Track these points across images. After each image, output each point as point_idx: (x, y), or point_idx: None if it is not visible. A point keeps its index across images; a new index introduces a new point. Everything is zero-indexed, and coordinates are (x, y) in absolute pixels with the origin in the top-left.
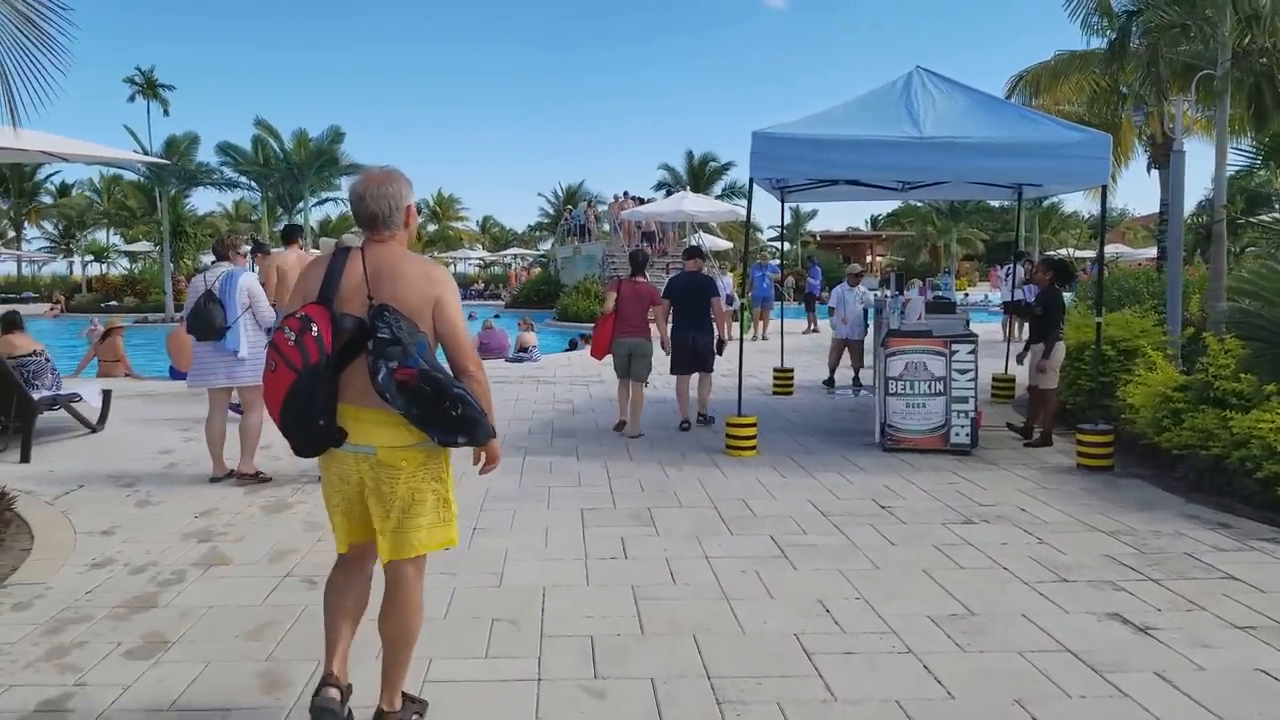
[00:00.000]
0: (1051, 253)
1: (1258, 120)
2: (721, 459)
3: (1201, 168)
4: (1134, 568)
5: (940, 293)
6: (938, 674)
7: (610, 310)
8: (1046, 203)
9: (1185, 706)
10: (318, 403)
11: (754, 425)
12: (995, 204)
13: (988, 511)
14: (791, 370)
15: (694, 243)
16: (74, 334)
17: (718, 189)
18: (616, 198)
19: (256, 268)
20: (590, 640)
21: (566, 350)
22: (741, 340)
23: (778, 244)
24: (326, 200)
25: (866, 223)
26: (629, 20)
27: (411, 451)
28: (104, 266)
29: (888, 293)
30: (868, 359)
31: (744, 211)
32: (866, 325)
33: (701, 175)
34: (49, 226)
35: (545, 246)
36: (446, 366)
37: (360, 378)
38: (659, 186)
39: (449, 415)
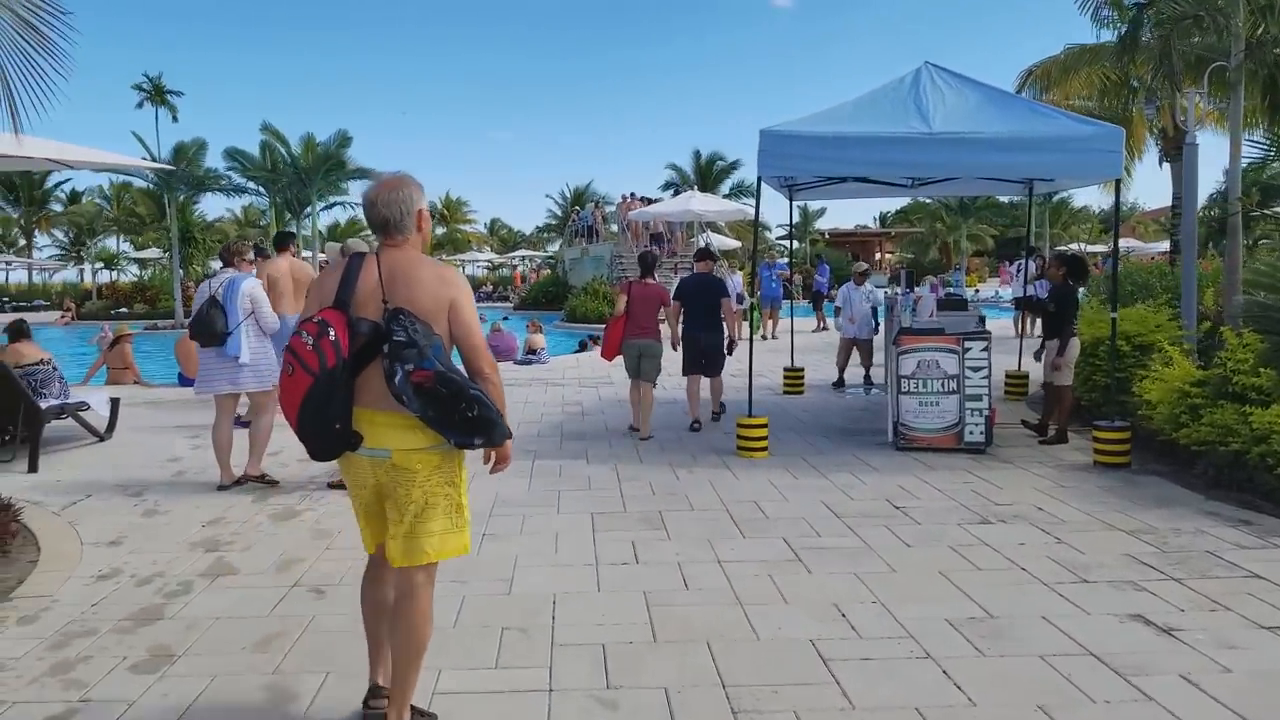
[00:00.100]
0: (1063, 248)
1: (1271, 112)
2: (732, 460)
3: (1213, 160)
4: (1155, 567)
5: (952, 289)
6: (957, 679)
7: (621, 313)
8: (1056, 198)
9: (1213, 710)
10: (334, 406)
11: (765, 426)
12: (1005, 200)
13: (1004, 511)
14: (802, 369)
15: (703, 243)
16: (84, 341)
17: (725, 188)
18: (624, 198)
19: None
20: (602, 649)
21: (576, 351)
22: (751, 340)
23: (786, 242)
24: (334, 204)
25: (875, 220)
26: (635, 21)
27: (426, 454)
28: (114, 273)
29: (898, 290)
30: (878, 357)
31: (752, 210)
32: (876, 324)
33: (709, 174)
34: (59, 234)
35: (553, 248)
36: (461, 368)
37: (376, 382)
38: (666, 186)
39: (465, 417)
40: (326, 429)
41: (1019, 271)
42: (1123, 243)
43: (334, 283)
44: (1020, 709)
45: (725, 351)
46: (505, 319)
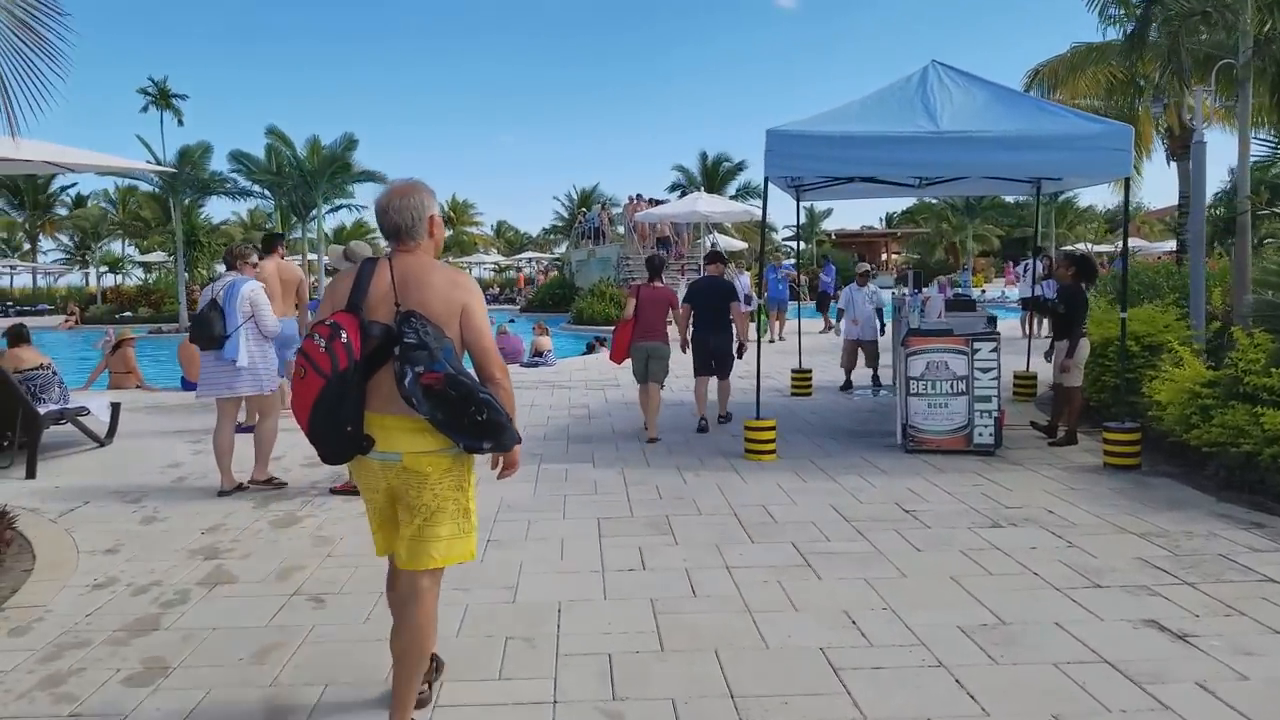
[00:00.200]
0: (1070, 248)
1: (1279, 110)
2: (740, 463)
3: (1219, 159)
4: (1168, 571)
5: (960, 290)
6: (970, 688)
7: (630, 316)
8: (1062, 197)
9: (1230, 719)
10: (346, 409)
11: (773, 429)
12: (1010, 200)
13: (1015, 514)
14: (809, 371)
15: (709, 244)
16: (89, 345)
17: (731, 189)
18: (631, 200)
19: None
20: (608, 658)
21: (584, 353)
22: (759, 343)
23: (793, 243)
24: (340, 207)
25: (881, 221)
26: (639, 26)
27: (436, 457)
28: (119, 277)
29: (906, 291)
30: (885, 358)
31: (758, 211)
32: (883, 324)
33: (715, 176)
34: (64, 238)
35: (560, 250)
36: (472, 372)
37: (387, 385)
38: (673, 188)
39: (474, 420)
40: (338, 431)
41: (1026, 271)
42: (1130, 242)
43: (347, 286)
44: (1035, 719)
45: (735, 354)
46: (512, 321)
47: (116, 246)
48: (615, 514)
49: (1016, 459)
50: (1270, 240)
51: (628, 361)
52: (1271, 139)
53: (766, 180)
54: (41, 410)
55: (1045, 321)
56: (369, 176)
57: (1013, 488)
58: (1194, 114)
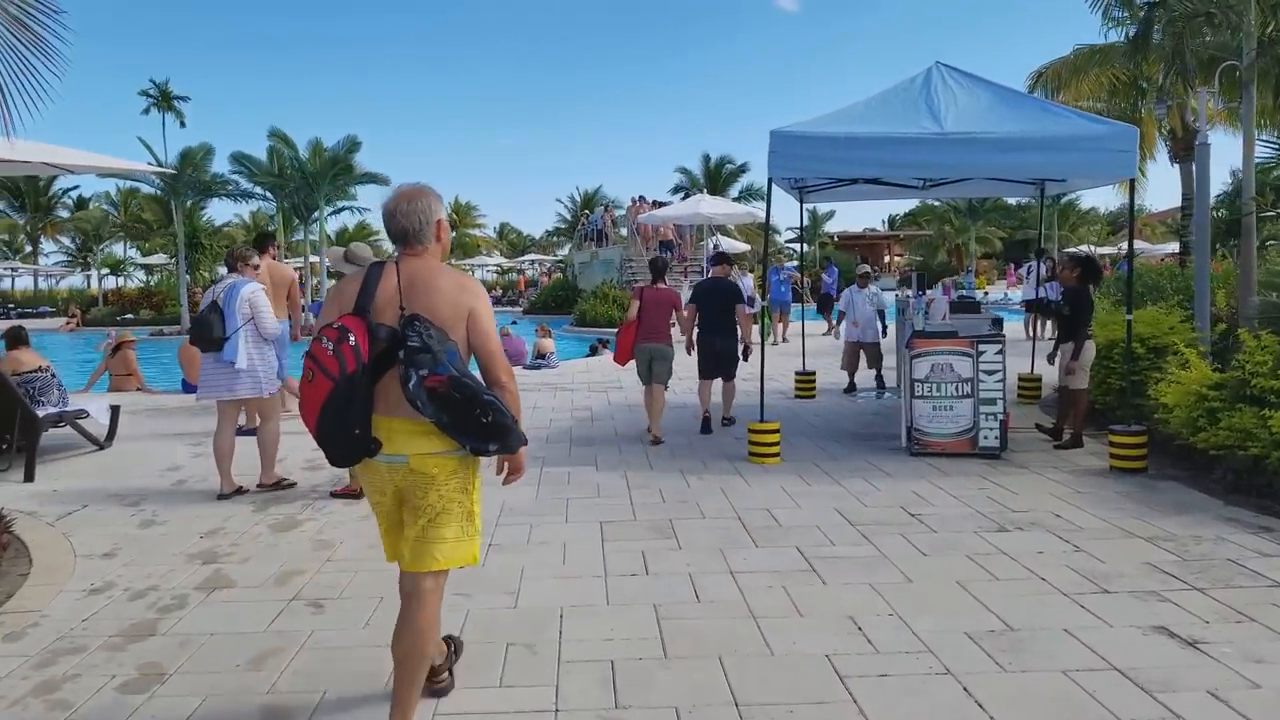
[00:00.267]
0: (1073, 249)
1: None
2: (744, 466)
3: (1221, 161)
4: (1177, 576)
5: (964, 291)
6: (978, 697)
7: (633, 318)
8: (1064, 199)
9: None
10: (354, 412)
11: (777, 431)
12: (1012, 202)
13: (1021, 518)
14: (813, 373)
15: (712, 246)
16: (91, 348)
17: (734, 191)
18: (634, 201)
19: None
20: (610, 665)
21: (588, 355)
22: (763, 345)
23: (796, 245)
24: (342, 209)
25: (884, 223)
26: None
27: (442, 459)
28: (120, 280)
29: (910, 293)
30: (890, 360)
31: (761, 213)
32: (884, 326)
33: (718, 178)
34: (65, 240)
35: (563, 252)
36: (478, 375)
37: (394, 388)
38: (675, 190)
39: (479, 422)
40: (346, 434)
41: (1029, 274)
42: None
43: (354, 290)
44: None
45: (741, 356)
46: (514, 323)
47: (118, 249)
48: (618, 518)
49: (1022, 462)
50: (1273, 242)
51: (631, 363)
52: (1275, 140)
53: (770, 181)
54: (40, 413)
55: (1049, 323)
56: (371, 178)
57: (1019, 491)
58: (1197, 116)
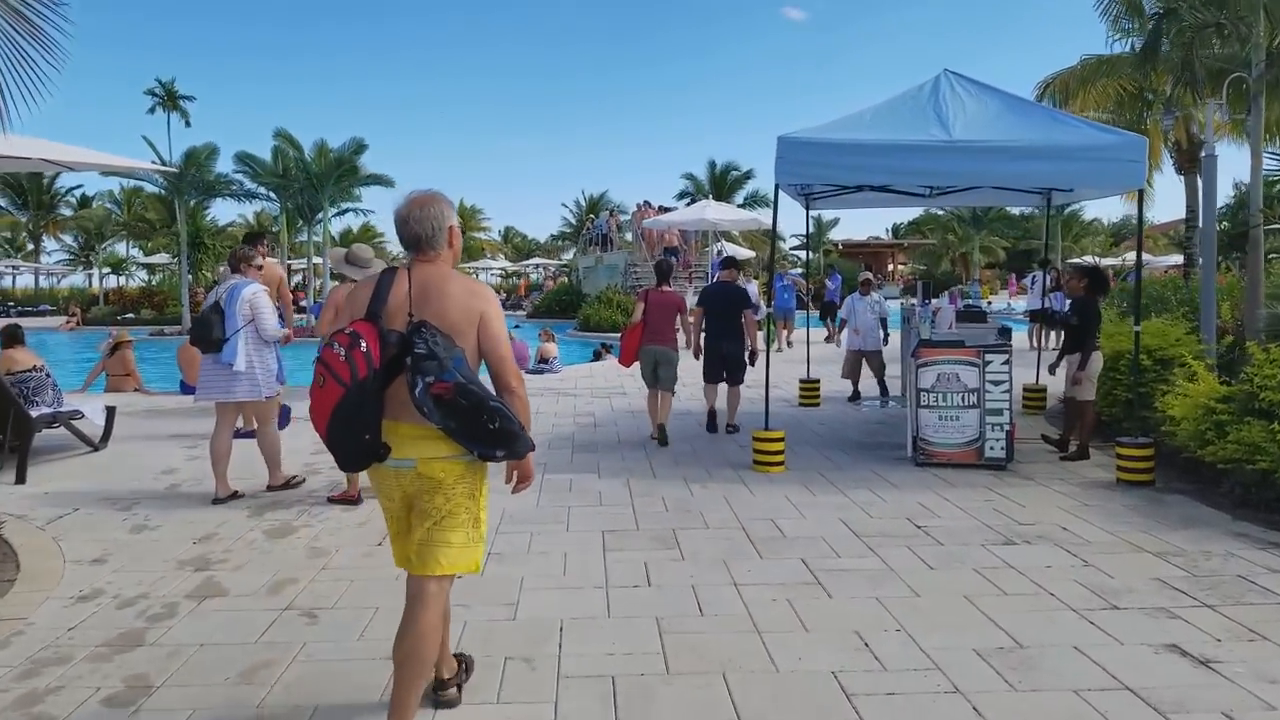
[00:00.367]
0: (1077, 260)
1: None
2: (748, 475)
3: (1226, 173)
4: (1187, 592)
5: (970, 301)
6: (988, 717)
7: (638, 320)
8: (1068, 210)
9: None
10: (364, 417)
11: (782, 439)
12: (1016, 212)
13: (1028, 531)
14: (817, 381)
15: (717, 253)
16: (92, 347)
17: (739, 198)
18: (639, 206)
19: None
20: (611, 681)
21: (592, 360)
22: (768, 352)
23: (800, 253)
24: (346, 210)
25: (888, 231)
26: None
27: (449, 463)
28: (122, 279)
29: (915, 301)
30: (894, 369)
31: (766, 220)
32: (886, 335)
33: (723, 184)
34: (68, 239)
35: (568, 256)
36: (488, 382)
37: (403, 393)
38: (681, 195)
39: (486, 429)
40: (355, 439)
41: (1034, 284)
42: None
43: (367, 295)
44: None
45: (748, 361)
46: (517, 327)
47: (120, 248)
48: (620, 527)
49: (1028, 473)
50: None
51: (635, 366)
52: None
53: (777, 187)
54: (33, 413)
55: (1053, 334)
56: (376, 180)
57: (1025, 503)
58: (1204, 127)
